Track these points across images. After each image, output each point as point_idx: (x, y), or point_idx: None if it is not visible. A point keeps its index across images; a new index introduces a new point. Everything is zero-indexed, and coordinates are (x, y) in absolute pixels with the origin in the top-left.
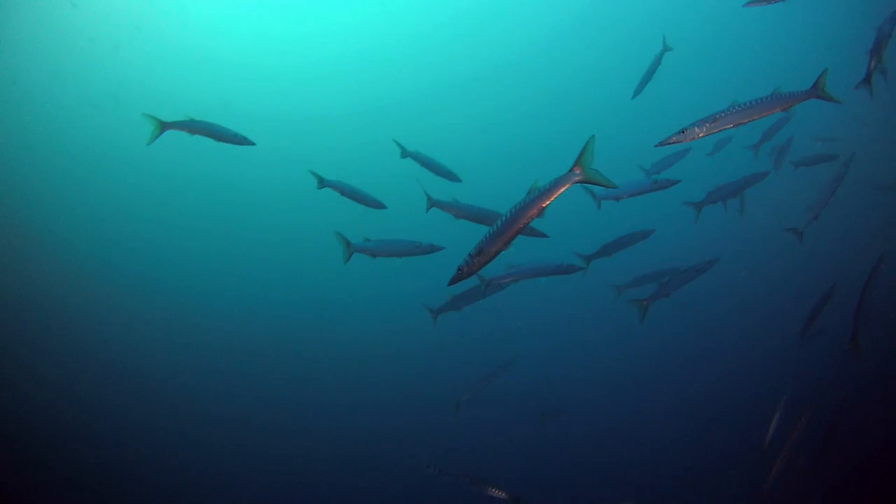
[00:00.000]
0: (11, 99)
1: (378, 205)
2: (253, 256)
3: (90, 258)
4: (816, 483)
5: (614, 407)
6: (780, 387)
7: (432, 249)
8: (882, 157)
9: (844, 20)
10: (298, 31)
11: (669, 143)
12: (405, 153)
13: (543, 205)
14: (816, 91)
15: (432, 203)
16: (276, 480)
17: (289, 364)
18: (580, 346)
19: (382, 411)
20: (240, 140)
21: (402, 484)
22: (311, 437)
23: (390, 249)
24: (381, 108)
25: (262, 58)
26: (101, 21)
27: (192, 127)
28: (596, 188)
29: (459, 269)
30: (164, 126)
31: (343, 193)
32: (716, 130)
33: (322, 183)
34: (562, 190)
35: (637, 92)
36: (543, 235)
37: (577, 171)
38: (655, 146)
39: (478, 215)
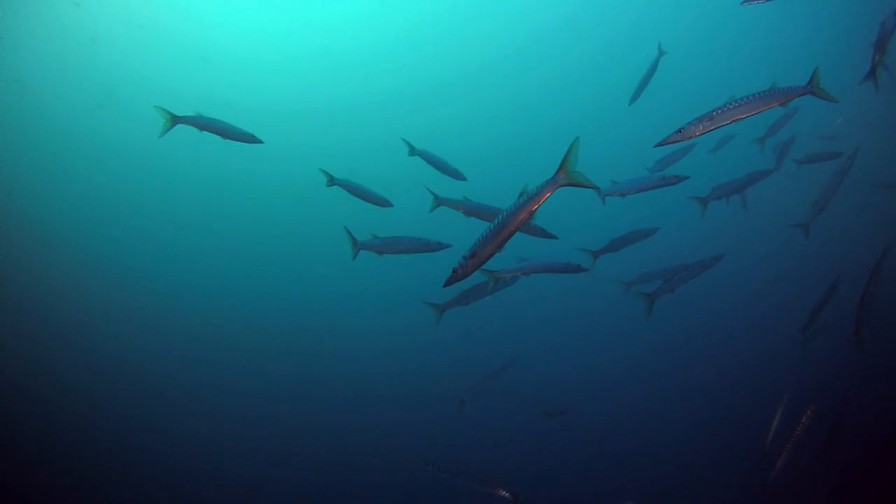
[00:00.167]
0: (15, 98)
1: (385, 203)
2: (257, 253)
3: (94, 257)
4: (821, 478)
5: (617, 402)
6: (783, 383)
7: (440, 247)
8: (884, 156)
9: (843, 17)
10: (300, 26)
11: (668, 143)
12: (413, 151)
13: (532, 209)
14: (812, 87)
15: (440, 202)
16: (279, 476)
17: (293, 360)
18: (583, 341)
19: (385, 407)
20: (248, 138)
21: (404, 480)
22: (313, 433)
23: (398, 246)
24: (383, 104)
25: (265, 54)
26: (103, 20)
27: (202, 123)
28: (601, 184)
29: (454, 271)
30: (175, 120)
31: (351, 192)
32: (714, 128)
33: (331, 181)
34: (548, 194)
35: (634, 98)
36: (552, 237)
37: (562, 175)
38: (654, 146)
39: (489, 214)
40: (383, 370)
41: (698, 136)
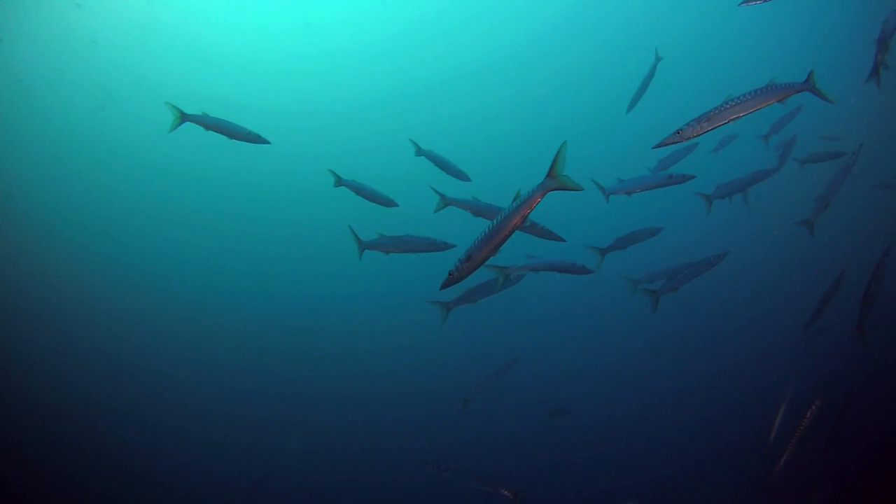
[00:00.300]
0: (16, 98)
1: (390, 203)
2: (259, 253)
3: (97, 257)
4: (824, 475)
5: (619, 401)
6: (786, 380)
7: (445, 247)
8: (884, 156)
9: (842, 17)
10: (300, 26)
11: (667, 144)
12: (419, 151)
13: (525, 213)
14: (809, 84)
15: (447, 202)
16: (280, 476)
17: (295, 360)
18: (585, 340)
19: (387, 407)
20: (254, 138)
21: (405, 480)
22: (316, 432)
23: (404, 246)
24: (385, 104)
25: (266, 54)
26: (105, 21)
27: (208, 122)
28: (605, 182)
29: (450, 274)
30: (184, 117)
31: (357, 192)
32: (712, 128)
33: (339, 181)
34: (539, 198)
35: (631, 106)
36: (560, 239)
37: (551, 180)
38: (653, 148)
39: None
40: (385, 370)
41: (696, 136)
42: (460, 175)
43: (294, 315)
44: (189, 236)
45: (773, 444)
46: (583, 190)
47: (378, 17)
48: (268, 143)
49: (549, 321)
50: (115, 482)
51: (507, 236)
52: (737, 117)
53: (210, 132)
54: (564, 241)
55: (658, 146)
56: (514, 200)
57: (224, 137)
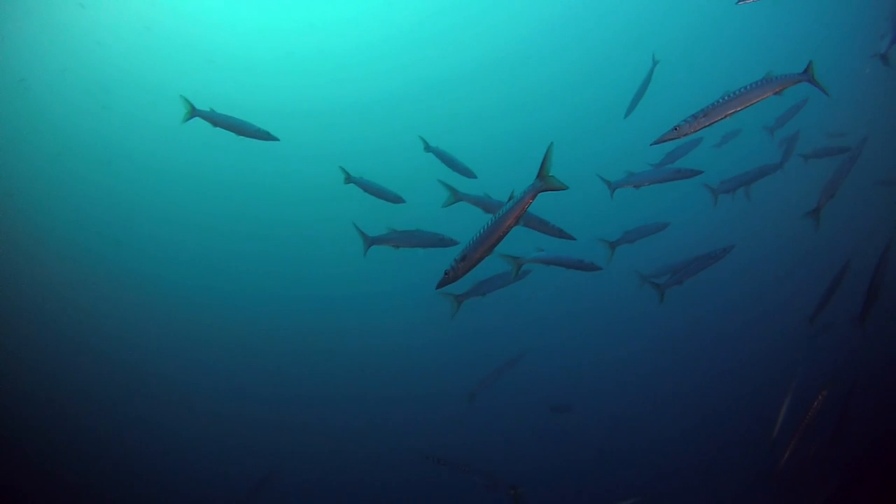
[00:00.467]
0: (19, 99)
1: (397, 199)
2: (261, 252)
3: (99, 259)
4: (830, 467)
5: (624, 398)
6: (791, 374)
7: (452, 243)
8: (886, 153)
9: (841, 16)
10: (303, 25)
11: (664, 141)
12: (428, 147)
13: (518, 214)
14: (807, 75)
15: (458, 197)
16: (282, 477)
17: (296, 360)
18: (589, 338)
19: (390, 406)
20: (263, 135)
21: (407, 479)
22: (317, 433)
23: (414, 240)
24: (387, 103)
25: (270, 54)
26: (109, 21)
27: (216, 119)
28: (612, 177)
29: (446, 273)
30: (194, 112)
31: (365, 189)
32: (709, 123)
33: (348, 178)
34: (531, 199)
35: (629, 111)
36: (570, 237)
37: (541, 181)
38: (651, 144)
39: None
40: (388, 370)
41: (693, 132)
42: (466, 172)
43: (296, 315)
44: (190, 237)
45: (778, 437)
46: (567, 189)
47: (381, 17)
48: (277, 139)
49: (554, 319)
50: (116, 483)
51: (502, 237)
52: (734, 112)
53: (217, 130)
54: (575, 239)
55: (656, 143)
56: (507, 201)
57: (229, 136)
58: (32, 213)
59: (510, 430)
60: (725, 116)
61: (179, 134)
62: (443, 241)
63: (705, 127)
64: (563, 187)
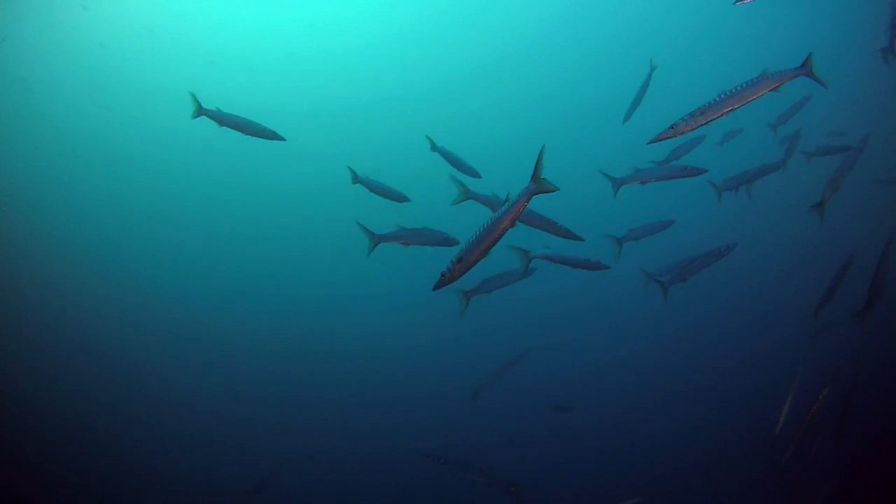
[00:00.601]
0: (21, 99)
1: (402, 198)
2: (262, 254)
3: (101, 261)
4: (833, 463)
5: (627, 398)
6: (793, 371)
7: (456, 243)
8: (888, 152)
9: (841, 14)
10: (304, 25)
11: (661, 139)
12: (434, 147)
13: (513, 217)
14: (806, 69)
15: (468, 195)
16: (282, 478)
17: (298, 362)
18: (592, 338)
19: (391, 408)
20: (269, 135)
21: (409, 480)
22: (318, 434)
23: (421, 238)
24: (388, 103)
25: (271, 55)
26: (111, 23)
27: (222, 118)
28: (617, 173)
29: (442, 275)
30: (200, 110)
31: (371, 189)
32: (706, 121)
33: (355, 178)
34: (525, 202)
35: (628, 116)
36: (579, 238)
37: (534, 184)
38: (648, 143)
39: (523, 215)
40: (389, 371)
41: (690, 131)
42: (471, 172)
43: (297, 316)
44: (191, 238)
45: (780, 433)
46: (559, 190)
47: (383, 17)
48: (283, 139)
49: (556, 319)
50: (116, 484)
51: (497, 239)
52: (731, 110)
53: (222, 130)
54: (583, 240)
55: (652, 141)
56: (503, 204)
57: (230, 138)
58: (33, 213)
59: (512, 429)
60: (722, 114)
61: (181, 135)
62: (447, 241)
63: (702, 125)
64: (554, 189)
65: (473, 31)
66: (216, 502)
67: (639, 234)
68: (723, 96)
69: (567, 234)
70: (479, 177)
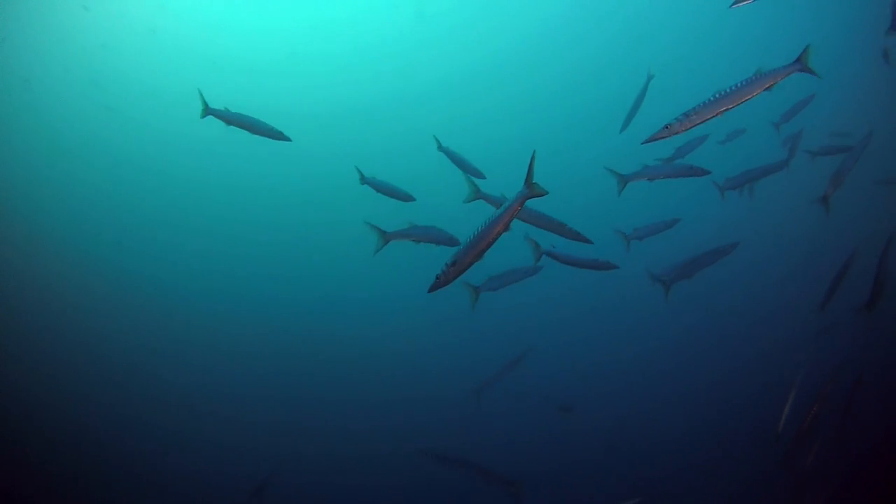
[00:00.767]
0: (22, 100)
1: (408, 198)
2: (262, 255)
3: (102, 261)
4: (833, 465)
5: (627, 398)
6: (794, 373)
7: (458, 243)
8: (889, 152)
9: (842, 12)
10: (304, 26)
11: (655, 139)
12: (440, 147)
13: (507, 220)
14: (800, 65)
15: (479, 195)
16: (286, 479)
17: (298, 363)
18: (595, 340)
19: (392, 409)
20: (276, 135)
21: (410, 479)
22: (320, 435)
23: (430, 236)
24: (391, 103)
25: (273, 55)
26: (114, 24)
27: (230, 117)
28: (623, 170)
29: (437, 277)
30: (207, 110)
31: (378, 189)
32: (701, 121)
33: (363, 179)
34: (519, 206)
35: (625, 125)
36: (587, 241)
37: (528, 188)
38: (642, 143)
39: (532, 217)
40: (390, 371)
41: (685, 131)
42: (475, 172)
43: (298, 317)
44: (191, 240)
45: (782, 432)
46: (548, 194)
47: (384, 17)
48: (289, 139)
49: (559, 320)
50: (116, 484)
51: (492, 242)
52: (726, 109)
53: (224, 131)
54: (592, 242)
55: (647, 141)
56: (498, 208)
57: (231, 140)
58: (35, 214)
59: (513, 431)
60: (717, 114)
61: (183, 136)
62: (452, 241)
63: (697, 125)
64: (544, 193)
65: (474, 31)
66: (216, 503)
67: (642, 234)
68: (717, 96)
69: (576, 237)
70: (484, 177)
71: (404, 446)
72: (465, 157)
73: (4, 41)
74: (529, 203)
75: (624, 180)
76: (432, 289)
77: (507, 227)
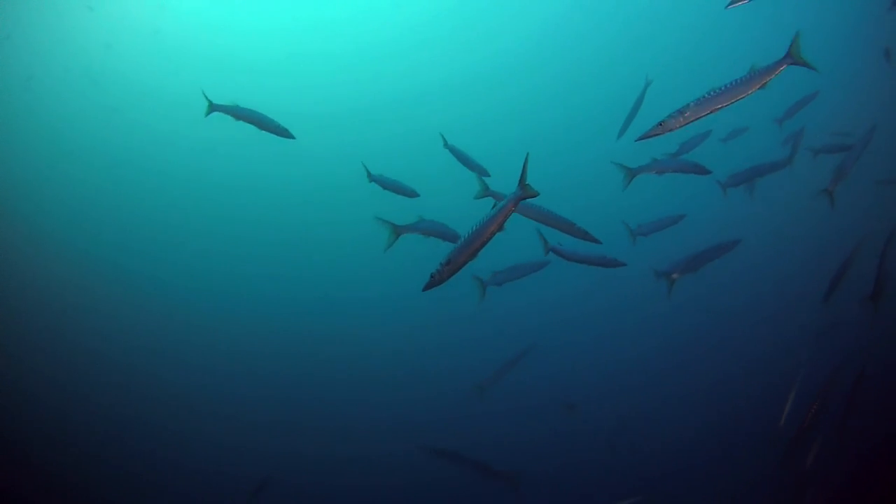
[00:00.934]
0: (26, 101)
1: (413, 194)
2: (262, 255)
3: (103, 262)
4: (834, 465)
5: (630, 398)
6: (796, 373)
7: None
8: (890, 152)
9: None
10: (304, 26)
11: (649, 137)
12: (446, 144)
13: (501, 221)
14: (791, 58)
15: (487, 193)
16: (285, 480)
17: (298, 364)
18: (597, 340)
19: (393, 410)
20: (282, 132)
21: (410, 479)
22: (320, 435)
23: (439, 231)
24: (391, 104)
25: (273, 56)
26: (118, 24)
27: (238, 112)
28: (630, 163)
29: (432, 276)
30: (212, 107)
31: (384, 186)
32: (695, 118)
33: (370, 177)
34: (513, 207)
35: (622, 132)
36: (596, 241)
37: (522, 189)
38: (636, 140)
39: (541, 215)
40: (390, 372)
41: (679, 128)
42: (481, 170)
43: (298, 318)
44: (191, 240)
45: (783, 431)
46: (538, 195)
47: (385, 17)
48: (293, 137)
49: (562, 321)
50: (116, 485)
51: (485, 242)
52: (721, 107)
53: (226, 131)
54: (601, 242)
55: (640, 139)
56: (492, 208)
57: (234, 140)
58: (36, 214)
59: (514, 432)
60: (712, 111)
61: (185, 137)
62: (456, 238)
63: (691, 122)
64: (535, 194)
65: (475, 31)
66: (216, 503)
67: (649, 230)
68: (712, 93)
69: (585, 236)
70: (488, 175)
71: (404, 446)
72: (470, 156)
73: (8, 39)
74: (538, 201)
75: (631, 174)
76: (427, 287)
77: (500, 228)
